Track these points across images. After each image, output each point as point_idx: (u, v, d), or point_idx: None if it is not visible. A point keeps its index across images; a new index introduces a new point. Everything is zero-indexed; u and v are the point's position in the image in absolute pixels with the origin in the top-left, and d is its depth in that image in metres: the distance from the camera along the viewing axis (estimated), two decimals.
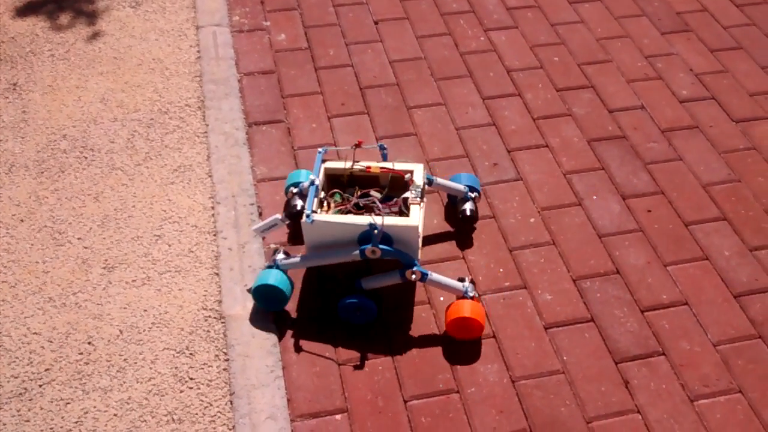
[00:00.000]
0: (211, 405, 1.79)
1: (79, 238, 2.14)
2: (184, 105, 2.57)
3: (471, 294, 1.94)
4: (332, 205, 2.00)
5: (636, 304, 2.09)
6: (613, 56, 2.88)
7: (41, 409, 1.76)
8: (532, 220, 2.29)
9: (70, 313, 1.96)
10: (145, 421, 1.75)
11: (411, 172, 2.03)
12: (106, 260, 2.08)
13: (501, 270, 2.15)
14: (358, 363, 1.91)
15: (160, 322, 1.95)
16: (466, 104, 2.64)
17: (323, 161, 2.04)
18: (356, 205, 1.97)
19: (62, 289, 2.01)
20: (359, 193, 2.02)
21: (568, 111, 2.65)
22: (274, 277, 1.93)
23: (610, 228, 2.28)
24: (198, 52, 2.78)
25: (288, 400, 1.83)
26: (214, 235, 2.17)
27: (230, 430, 1.75)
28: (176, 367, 1.86)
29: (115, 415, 1.76)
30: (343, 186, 2.06)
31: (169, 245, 2.13)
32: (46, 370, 1.84)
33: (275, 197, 2.29)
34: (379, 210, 1.95)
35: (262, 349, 1.91)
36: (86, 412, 1.76)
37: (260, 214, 2.24)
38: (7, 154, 2.36)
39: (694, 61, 2.88)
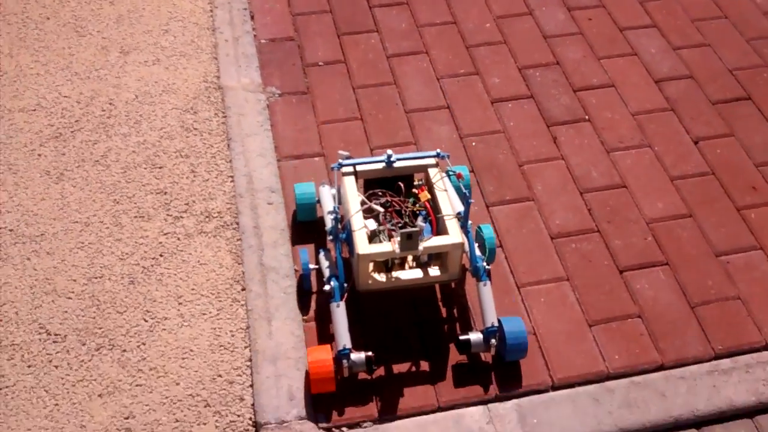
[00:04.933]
0: (212, 146, 2.20)
1: (98, 31, 2.51)
2: None
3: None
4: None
5: (570, 86, 2.47)
6: None
7: (73, 147, 2.17)
8: (487, 25, 2.65)
9: (94, 83, 2.34)
10: (158, 155, 2.16)
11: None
12: (122, 47, 2.46)
13: (458, 61, 2.52)
14: (334, 121, 2.31)
15: (169, 90, 2.34)
16: None
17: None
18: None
19: (86, 66, 2.39)
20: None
21: None
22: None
23: (554, 31, 2.64)
24: None
25: (275, 147, 2.23)
26: (213, 30, 2.54)
27: (227, 163, 2.16)
28: (183, 121, 2.26)
29: (134, 151, 2.17)
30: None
31: (175, 37, 2.50)
32: (76, 121, 2.24)
33: (265, 5, 2.65)
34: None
35: (253, 110, 2.30)
36: (110, 149, 2.17)
37: (252, 18, 2.61)
38: None
39: None
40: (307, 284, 1.89)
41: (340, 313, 1.70)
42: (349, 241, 1.74)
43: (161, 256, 1.94)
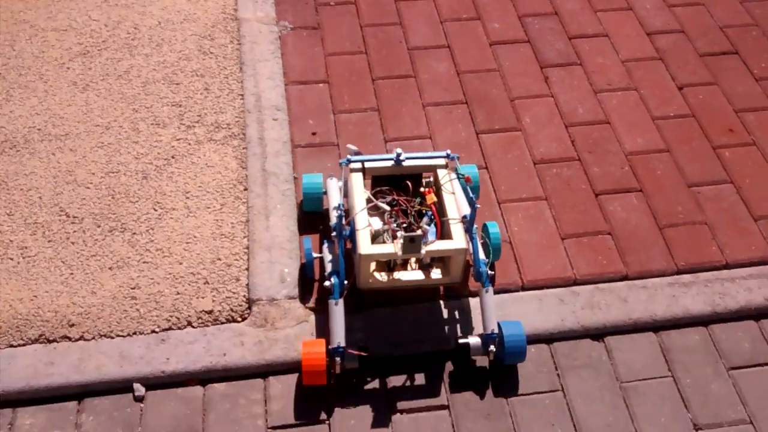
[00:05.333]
0: (226, 68, 2.38)
1: None
2: None
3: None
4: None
5: (565, 34, 2.61)
6: None
7: (99, 63, 2.37)
8: None
9: (121, 10, 2.54)
10: (176, 74, 2.35)
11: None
12: None
13: (461, 7, 2.67)
14: (340, 54, 2.48)
15: (190, 19, 2.52)
16: None
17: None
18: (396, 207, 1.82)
19: None
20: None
21: None
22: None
23: None
24: None
25: (284, 72, 2.41)
26: None
27: (239, 83, 2.33)
28: (201, 46, 2.44)
29: (154, 69, 2.36)
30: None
31: None
32: (103, 41, 2.43)
33: None
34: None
35: (266, 40, 2.48)
36: (132, 66, 2.36)
37: None
38: None
39: None
40: (311, 272, 1.89)
41: (337, 311, 1.70)
42: (353, 238, 1.74)
43: (173, 157, 2.12)
